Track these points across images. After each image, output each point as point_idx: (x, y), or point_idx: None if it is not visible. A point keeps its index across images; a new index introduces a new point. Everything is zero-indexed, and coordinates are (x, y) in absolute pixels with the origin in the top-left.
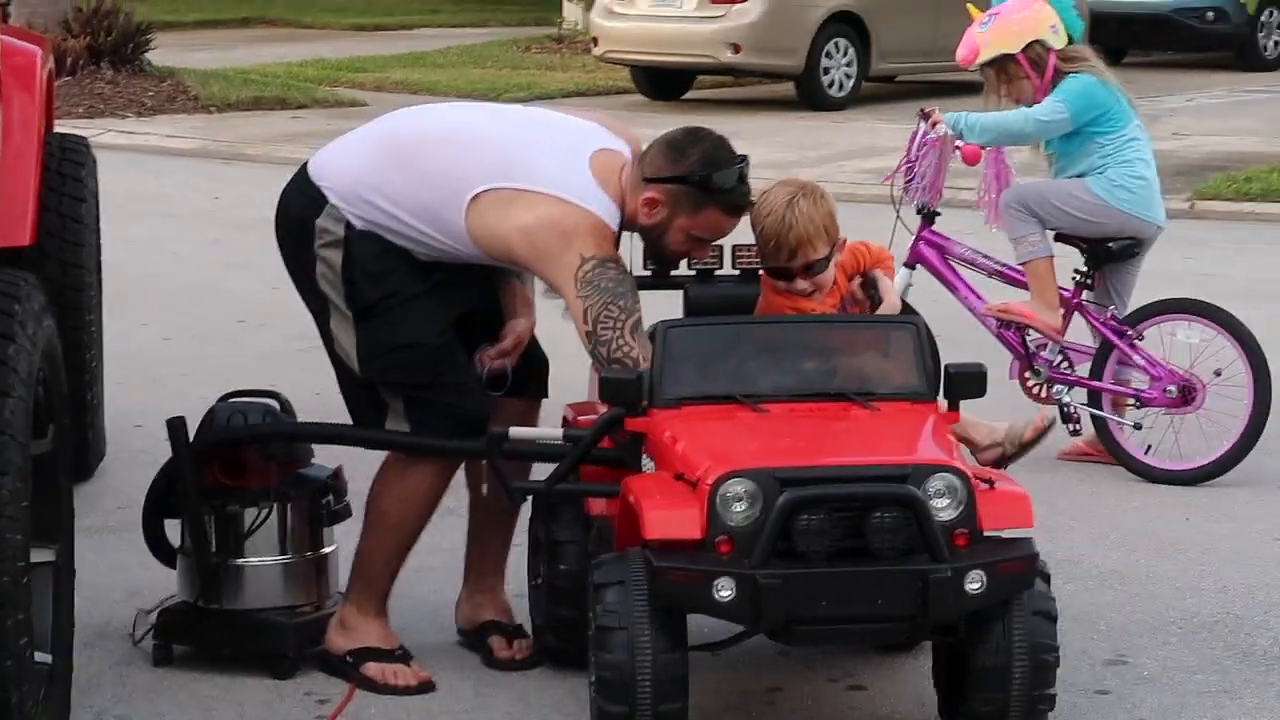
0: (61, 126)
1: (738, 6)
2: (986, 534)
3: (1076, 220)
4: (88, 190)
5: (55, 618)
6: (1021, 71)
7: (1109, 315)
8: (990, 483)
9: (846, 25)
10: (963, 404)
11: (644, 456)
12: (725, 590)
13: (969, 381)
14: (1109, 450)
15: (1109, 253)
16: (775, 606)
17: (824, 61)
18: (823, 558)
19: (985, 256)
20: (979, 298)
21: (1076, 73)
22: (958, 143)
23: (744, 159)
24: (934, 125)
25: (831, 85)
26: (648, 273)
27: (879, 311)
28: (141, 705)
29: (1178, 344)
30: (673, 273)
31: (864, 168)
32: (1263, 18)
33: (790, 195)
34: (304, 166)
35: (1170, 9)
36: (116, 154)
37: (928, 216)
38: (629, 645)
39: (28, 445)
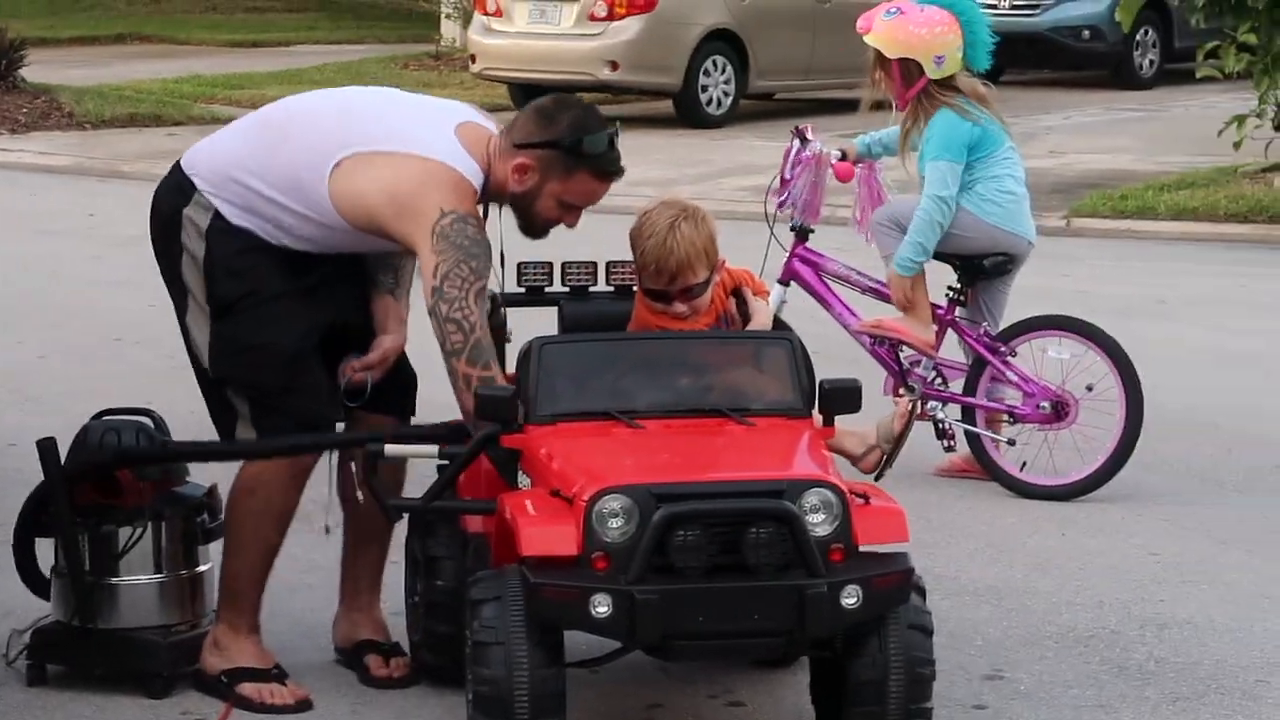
0: None
1: (615, 24)
2: (862, 549)
3: (950, 237)
4: None
5: None
6: (889, 74)
7: (982, 331)
8: (865, 498)
9: (724, 43)
10: (838, 419)
11: (520, 473)
12: (602, 606)
13: (844, 396)
14: (984, 467)
15: (982, 269)
16: (652, 622)
17: (702, 79)
18: (699, 573)
19: (859, 273)
20: (853, 314)
21: (943, 107)
22: (831, 161)
23: (614, 124)
24: (805, 143)
25: (710, 103)
26: (521, 290)
27: (751, 327)
28: None
29: (1049, 360)
30: (546, 290)
31: (742, 185)
32: (1138, 37)
33: (672, 219)
34: (177, 161)
35: (1047, 28)
36: None
37: (801, 234)
38: (506, 661)
39: None
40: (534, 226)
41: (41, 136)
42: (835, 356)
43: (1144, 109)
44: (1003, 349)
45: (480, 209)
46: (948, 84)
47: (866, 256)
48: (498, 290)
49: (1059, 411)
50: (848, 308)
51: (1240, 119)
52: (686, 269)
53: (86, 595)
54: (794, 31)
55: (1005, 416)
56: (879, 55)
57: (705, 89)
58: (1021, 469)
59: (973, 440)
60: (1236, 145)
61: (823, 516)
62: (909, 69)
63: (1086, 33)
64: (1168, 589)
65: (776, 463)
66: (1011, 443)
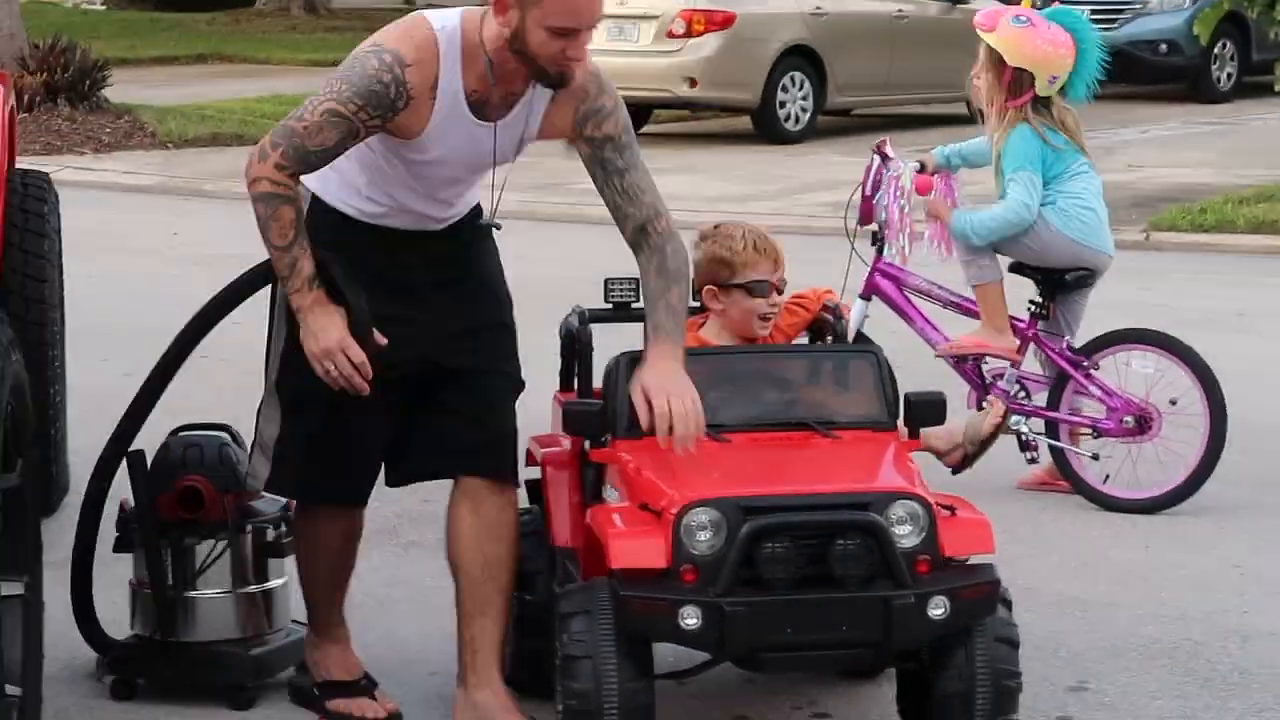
0: (21, 163)
1: (693, 40)
2: (949, 560)
3: (1032, 251)
4: (50, 226)
5: (25, 651)
6: (1000, 80)
7: (1064, 345)
8: (952, 509)
9: (802, 59)
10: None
11: (608, 486)
12: (691, 619)
13: (929, 409)
14: (1068, 480)
15: (1063, 283)
16: (740, 634)
17: (780, 95)
18: (787, 585)
19: (940, 287)
20: (935, 329)
21: (1022, 122)
22: (912, 173)
23: None
24: (886, 163)
25: (788, 119)
26: (608, 305)
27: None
28: None
29: (1133, 374)
30: (633, 305)
31: (821, 201)
32: (1215, 50)
33: (749, 228)
34: None
35: (1124, 41)
36: (74, 190)
37: (881, 249)
38: (595, 674)
39: None
40: (544, 72)
41: (125, 156)
42: (917, 370)
43: (1222, 122)
44: (1085, 363)
45: (437, 67)
46: (1044, 104)
47: (946, 270)
48: (584, 307)
49: (1142, 425)
50: (929, 322)
51: None
52: (783, 257)
53: (170, 609)
54: (872, 47)
55: (1089, 430)
56: (993, 57)
57: (783, 105)
58: (1105, 482)
59: (1057, 454)
60: None
61: (909, 528)
62: (1021, 80)
63: (1164, 46)
64: (1251, 601)
65: (862, 475)
66: (1095, 457)
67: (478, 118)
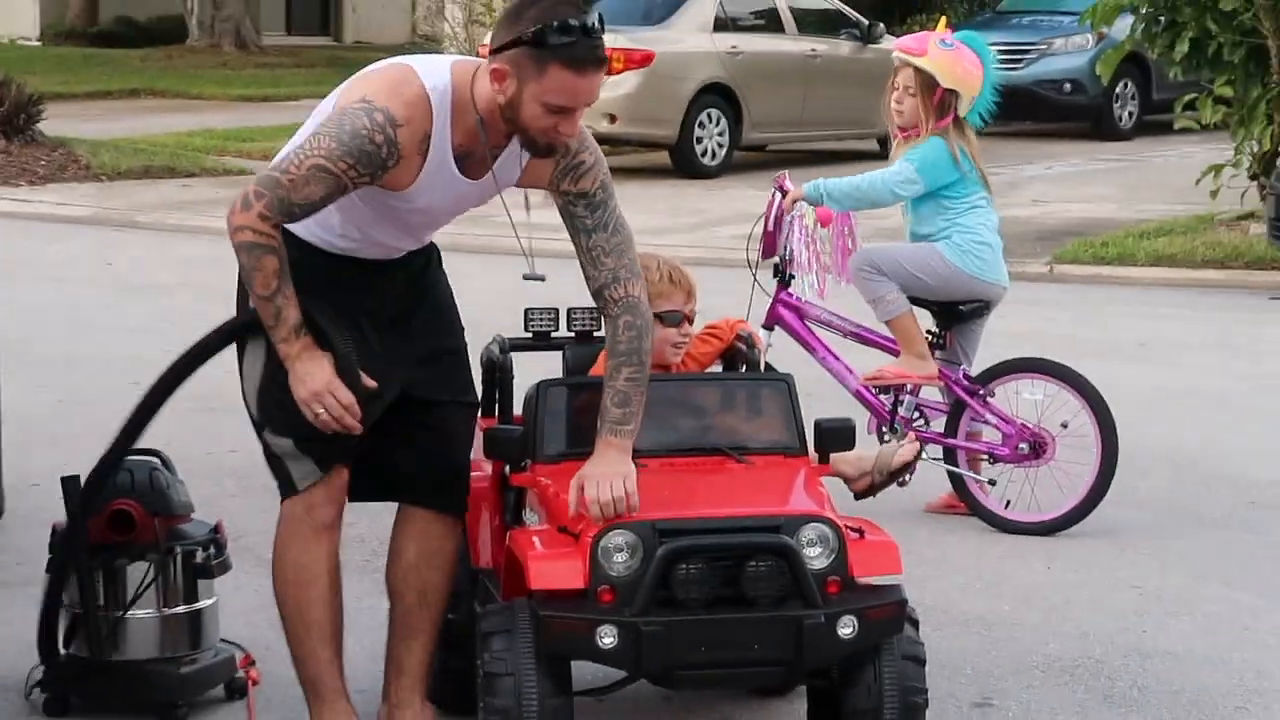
0: None
1: (613, 78)
2: (858, 581)
3: (929, 285)
4: None
5: None
6: (931, 101)
7: (960, 374)
8: (860, 532)
9: (718, 97)
10: None
11: (528, 510)
12: (608, 638)
13: (838, 436)
14: (968, 505)
15: (959, 314)
16: (656, 653)
17: (697, 131)
18: (701, 605)
19: (841, 318)
20: (836, 358)
21: (939, 134)
22: (806, 208)
23: (591, 10)
24: (793, 203)
25: (705, 154)
26: (528, 335)
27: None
28: None
29: (1024, 401)
30: (552, 335)
31: (736, 233)
32: (1117, 89)
33: (664, 260)
34: None
35: (1030, 81)
36: (9, 221)
37: (784, 280)
38: (516, 690)
39: None
40: (533, 141)
41: (59, 188)
42: (821, 396)
43: (1124, 159)
44: (981, 390)
45: (430, 125)
46: (958, 127)
47: (847, 301)
48: (504, 336)
49: (1036, 450)
50: (831, 351)
51: (1217, 168)
52: (694, 289)
53: (98, 629)
54: (785, 86)
55: (986, 456)
56: (923, 79)
57: (700, 141)
58: (1006, 507)
59: (955, 480)
60: (1213, 194)
61: (819, 550)
62: (947, 101)
63: (1068, 85)
64: (1150, 620)
65: (774, 499)
66: (993, 482)
67: (463, 173)
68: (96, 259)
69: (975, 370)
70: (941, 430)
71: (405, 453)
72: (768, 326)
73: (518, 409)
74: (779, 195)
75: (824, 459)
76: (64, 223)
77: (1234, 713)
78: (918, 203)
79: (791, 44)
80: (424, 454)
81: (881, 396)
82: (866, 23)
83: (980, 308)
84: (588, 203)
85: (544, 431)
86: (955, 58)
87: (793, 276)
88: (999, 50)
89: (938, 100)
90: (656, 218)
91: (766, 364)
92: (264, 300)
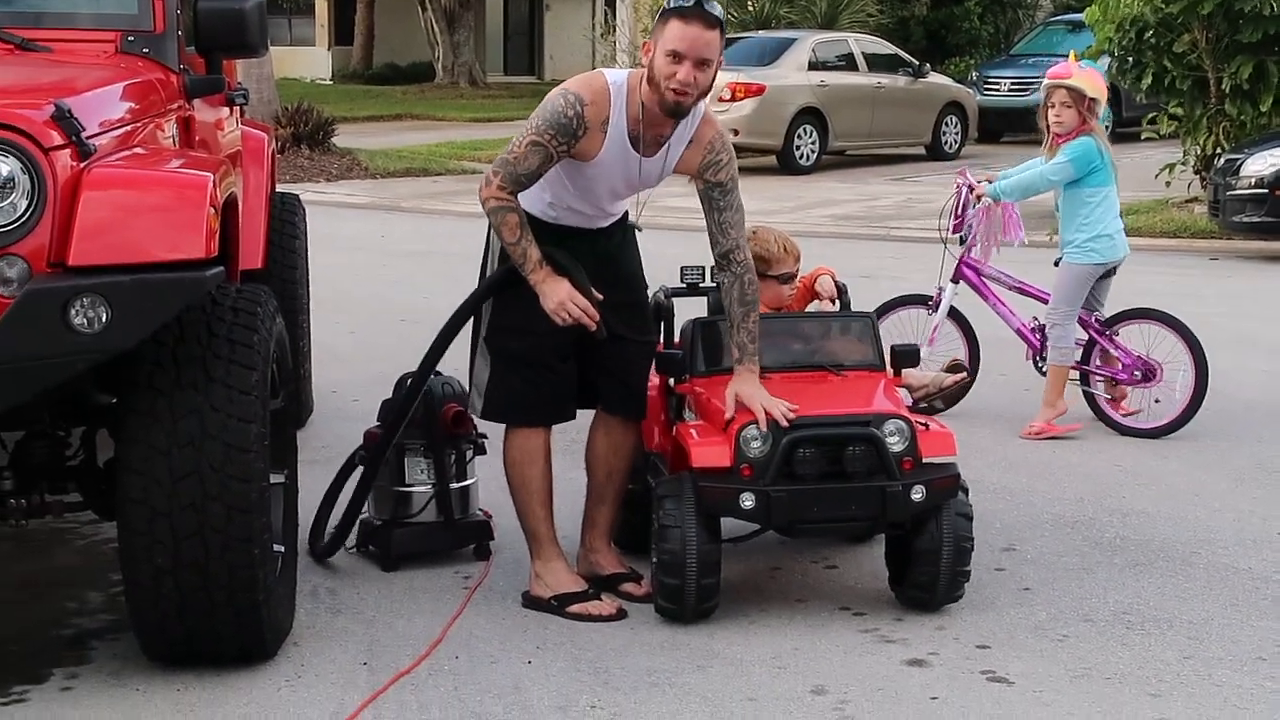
0: (279, 188)
1: (737, 103)
2: (925, 460)
3: (1085, 284)
4: (299, 231)
5: (285, 520)
6: (1082, 111)
7: (1094, 319)
8: (926, 425)
9: (811, 116)
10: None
11: (687, 410)
12: (748, 501)
13: (906, 357)
14: (1098, 416)
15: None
16: (782, 511)
17: (796, 141)
18: (814, 478)
19: (1006, 275)
20: (1002, 303)
21: (1086, 134)
22: (988, 201)
23: None
24: (979, 198)
25: (801, 157)
26: (683, 285)
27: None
28: (344, 582)
29: (1140, 338)
30: (701, 285)
31: (824, 214)
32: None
33: (779, 234)
34: None
35: (1034, 104)
36: (314, 207)
37: (965, 246)
38: (682, 538)
39: (268, 403)
40: (664, 99)
41: (346, 184)
42: (991, 333)
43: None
44: (1108, 331)
45: (608, 109)
46: (1094, 125)
47: (1008, 263)
48: (667, 286)
49: (1147, 375)
50: (999, 299)
51: (1170, 166)
52: (800, 253)
53: (448, 497)
54: (859, 109)
55: (1109, 378)
56: (1073, 94)
57: (798, 148)
58: (1125, 417)
59: (1089, 397)
60: (1168, 184)
61: (897, 438)
62: (1094, 109)
63: None
64: (1128, 489)
65: (864, 402)
66: (1113, 399)
67: (634, 149)
68: (373, 234)
69: (1106, 314)
70: (1080, 359)
71: (602, 376)
72: (954, 280)
73: (677, 337)
74: (965, 190)
75: (897, 373)
76: (350, 208)
77: (1189, 555)
78: (1066, 195)
79: (863, 79)
80: (615, 376)
81: (1024, 328)
82: (917, 63)
83: (1107, 272)
84: (722, 190)
85: (696, 354)
86: (1093, 75)
87: (972, 246)
88: (1012, 82)
89: (1086, 108)
90: (767, 203)
91: (953, 309)
92: (512, 245)
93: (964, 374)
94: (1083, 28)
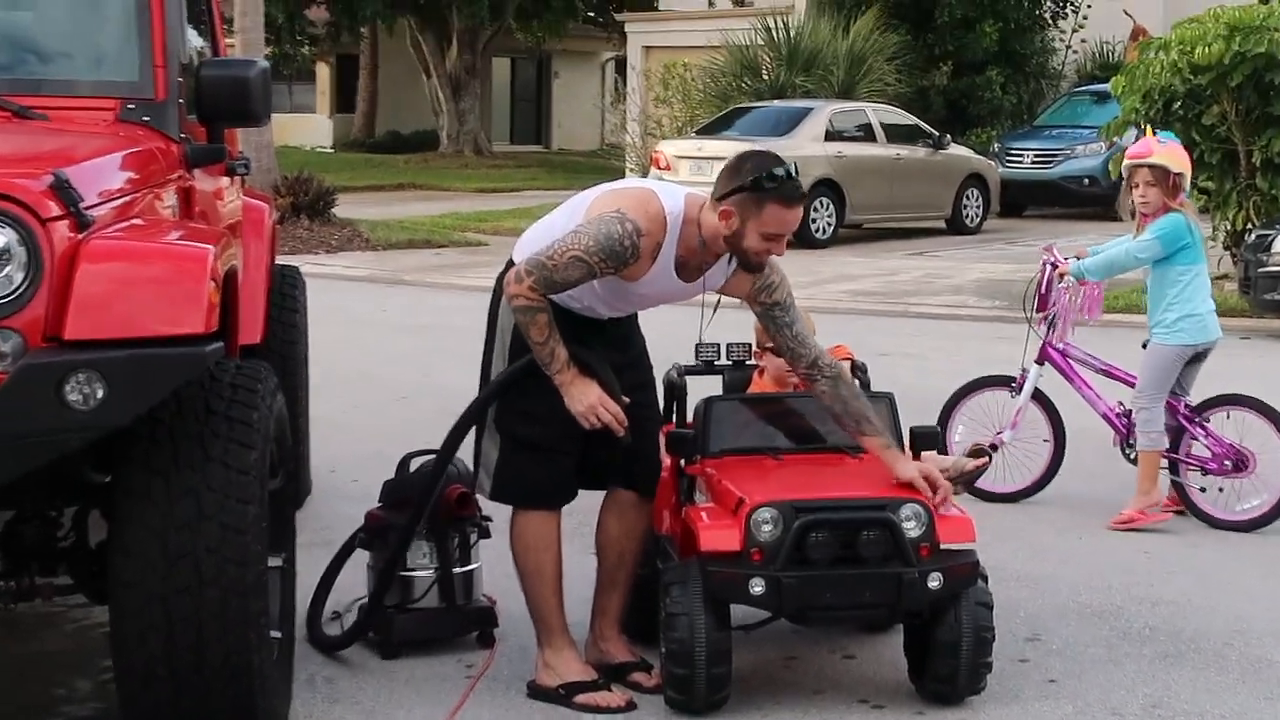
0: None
1: None
2: (942, 546)
3: (1173, 368)
4: (299, 305)
5: (282, 605)
6: (1167, 186)
7: (1183, 405)
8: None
9: (828, 188)
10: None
11: (697, 492)
12: (758, 587)
13: (927, 439)
14: (1186, 507)
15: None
16: (793, 598)
17: (812, 214)
18: (826, 563)
19: (1093, 357)
20: (1089, 387)
21: (1174, 211)
22: (1072, 281)
23: (790, 163)
24: (1062, 277)
25: (817, 230)
26: (698, 363)
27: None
28: (342, 670)
29: (1231, 426)
30: (715, 363)
31: (841, 290)
32: (1123, 184)
33: None
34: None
35: (1059, 177)
36: (313, 279)
37: (1051, 327)
38: (690, 626)
39: (266, 483)
40: (749, 261)
41: (347, 255)
42: (1074, 416)
43: (1127, 233)
44: (1198, 419)
45: (663, 237)
46: (1182, 200)
47: (1094, 344)
48: (680, 364)
49: (1239, 465)
50: (1085, 383)
51: None
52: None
53: (450, 582)
54: (876, 180)
55: (1198, 467)
56: (1157, 173)
57: (814, 220)
58: (1216, 507)
59: (1178, 486)
60: None
61: (914, 524)
62: (1178, 184)
63: (1087, 180)
64: (1157, 578)
65: (881, 485)
66: (1203, 489)
67: (679, 276)
68: (375, 307)
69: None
70: (1169, 447)
71: (613, 452)
72: (1039, 362)
73: (689, 418)
74: (1050, 268)
75: (916, 456)
76: (351, 280)
77: (1222, 648)
78: (1155, 274)
79: (881, 150)
80: (627, 452)
81: (1110, 412)
82: (937, 134)
83: (1196, 356)
84: (781, 308)
85: (709, 434)
86: (1174, 149)
87: (1060, 328)
88: (1034, 155)
89: (1171, 185)
90: None
91: (1036, 390)
92: (540, 344)
93: (985, 459)
94: (1108, 98)
